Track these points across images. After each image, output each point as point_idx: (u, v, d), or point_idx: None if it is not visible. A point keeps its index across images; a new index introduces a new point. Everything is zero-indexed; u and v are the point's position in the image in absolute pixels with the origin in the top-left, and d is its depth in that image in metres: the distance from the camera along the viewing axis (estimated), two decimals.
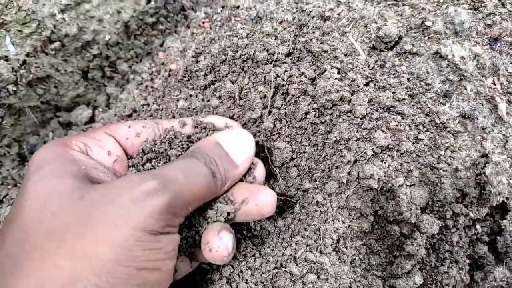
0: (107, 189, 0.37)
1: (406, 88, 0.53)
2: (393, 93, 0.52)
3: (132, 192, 0.36)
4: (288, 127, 0.55)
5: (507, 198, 0.51)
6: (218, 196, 0.46)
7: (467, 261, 0.52)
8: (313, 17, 0.60)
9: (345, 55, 0.56)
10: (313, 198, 0.54)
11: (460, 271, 0.52)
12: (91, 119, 0.74)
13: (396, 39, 0.56)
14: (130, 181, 0.38)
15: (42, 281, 0.32)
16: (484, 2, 0.57)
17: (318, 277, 0.51)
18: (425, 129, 0.52)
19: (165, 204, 0.36)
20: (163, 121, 0.52)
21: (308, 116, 0.53)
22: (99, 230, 0.34)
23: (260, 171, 0.50)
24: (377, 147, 0.51)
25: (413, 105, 0.52)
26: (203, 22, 0.72)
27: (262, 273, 0.51)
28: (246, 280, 0.51)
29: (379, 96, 0.52)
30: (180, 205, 0.39)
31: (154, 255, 0.36)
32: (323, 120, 0.53)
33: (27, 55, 0.67)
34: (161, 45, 0.76)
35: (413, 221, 0.50)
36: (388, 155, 0.52)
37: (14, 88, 0.66)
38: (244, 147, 0.47)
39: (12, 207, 0.40)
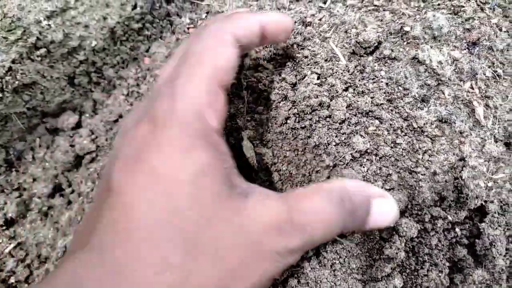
0: (239, 203, 0.34)
1: (384, 93, 0.53)
2: (371, 98, 0.53)
3: (261, 219, 0.33)
4: (269, 133, 0.56)
5: (485, 201, 0.51)
6: None
7: (447, 264, 0.53)
8: (295, 22, 0.60)
9: (326, 60, 0.56)
10: None
11: (440, 274, 0.52)
12: (78, 125, 0.75)
13: (376, 44, 0.56)
14: (260, 207, 0.34)
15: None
16: (463, 6, 0.58)
17: (299, 282, 0.51)
18: (403, 133, 0.52)
19: (294, 247, 0.34)
20: None
21: (288, 121, 0.54)
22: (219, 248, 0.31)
23: None
24: (356, 151, 0.52)
25: (391, 110, 0.53)
26: (188, 28, 0.72)
27: None
28: None
29: (358, 101, 0.52)
30: (308, 247, 0.38)
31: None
32: (303, 125, 0.53)
33: (13, 61, 0.67)
34: (147, 51, 0.76)
35: (392, 225, 0.50)
36: (367, 159, 0.52)
37: (0, 95, 0.67)
38: (388, 219, 0.44)
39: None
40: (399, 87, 0.53)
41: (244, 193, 0.35)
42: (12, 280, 0.65)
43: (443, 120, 0.53)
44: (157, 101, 0.37)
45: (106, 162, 0.67)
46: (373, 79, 0.54)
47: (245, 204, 0.33)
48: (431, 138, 0.52)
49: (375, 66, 0.55)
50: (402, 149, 0.52)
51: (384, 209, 0.43)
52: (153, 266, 0.29)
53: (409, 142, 0.52)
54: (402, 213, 0.52)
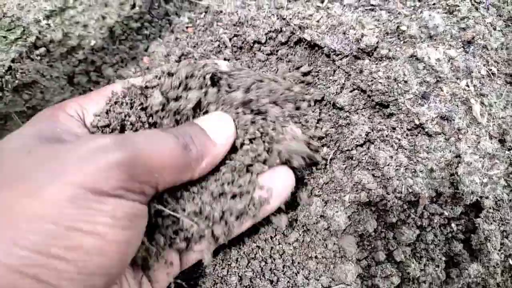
0: (60, 146, 0.35)
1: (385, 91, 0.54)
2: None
3: (81, 148, 0.34)
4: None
5: (480, 197, 0.52)
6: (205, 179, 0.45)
7: (443, 258, 0.54)
8: (295, 25, 0.61)
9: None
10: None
11: (436, 269, 0.53)
12: None
13: (375, 46, 0.57)
14: (85, 139, 0.35)
15: None
16: (458, 6, 0.59)
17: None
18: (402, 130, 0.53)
19: (117, 162, 0.33)
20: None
21: None
22: (33, 184, 0.31)
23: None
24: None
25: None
26: (187, 27, 0.73)
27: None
28: None
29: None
30: (140, 168, 0.35)
31: (94, 217, 0.32)
32: None
33: (13, 61, 0.68)
34: (146, 50, 0.77)
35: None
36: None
37: (0, 94, 0.67)
38: (222, 126, 0.45)
39: None
40: (398, 84, 0.54)
41: (68, 141, 0.38)
42: None
43: (443, 117, 0.54)
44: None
45: None
46: (371, 80, 0.55)
47: (69, 142, 0.37)
48: (429, 135, 0.53)
49: (372, 67, 0.56)
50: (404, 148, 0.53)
51: (217, 124, 0.44)
52: None
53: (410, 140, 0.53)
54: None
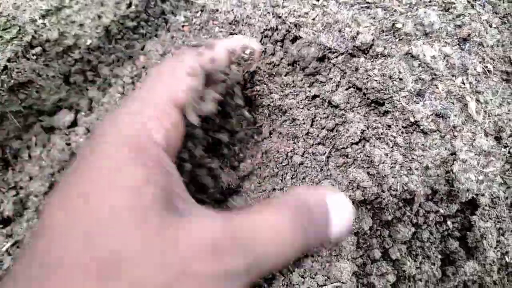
0: (174, 227, 0.28)
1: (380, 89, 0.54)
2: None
3: (192, 243, 0.27)
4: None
5: (476, 194, 0.52)
6: None
7: (439, 256, 0.54)
8: (291, 23, 0.61)
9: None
10: None
11: (432, 266, 0.53)
12: (74, 123, 0.75)
13: (371, 44, 0.57)
14: (196, 226, 0.29)
15: None
16: (454, 3, 0.59)
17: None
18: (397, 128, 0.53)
19: (239, 270, 0.28)
20: None
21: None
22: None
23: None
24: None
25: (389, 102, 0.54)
26: (183, 26, 0.73)
27: None
28: None
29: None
30: (261, 271, 0.30)
31: None
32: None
33: (8, 60, 0.68)
34: (142, 49, 0.77)
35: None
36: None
37: None
38: (347, 221, 0.35)
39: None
40: (394, 82, 0.54)
41: (183, 212, 0.30)
42: None
43: (439, 115, 0.53)
44: (105, 119, 0.35)
45: None
46: (367, 78, 0.55)
47: (181, 223, 0.29)
48: (425, 133, 0.53)
49: (368, 65, 0.56)
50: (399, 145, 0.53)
51: (342, 207, 0.35)
52: None
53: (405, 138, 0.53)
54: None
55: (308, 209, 0.32)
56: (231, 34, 0.64)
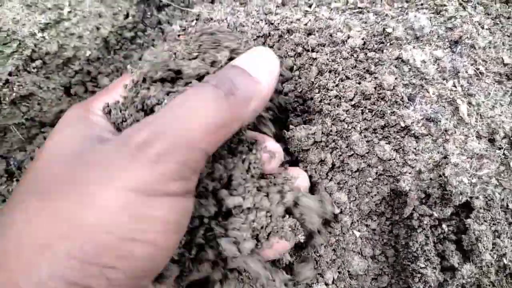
0: (106, 147, 0.33)
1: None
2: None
3: (123, 148, 0.32)
4: None
5: (470, 197, 0.52)
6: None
7: (437, 259, 0.54)
8: (283, 29, 0.61)
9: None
10: None
11: (434, 271, 0.53)
12: None
13: (362, 48, 0.57)
14: (122, 136, 0.33)
15: (18, 238, 0.30)
16: (445, 6, 0.59)
17: None
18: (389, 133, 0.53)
19: (166, 151, 0.31)
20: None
21: None
22: (84, 191, 0.30)
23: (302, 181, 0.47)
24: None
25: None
26: (179, 35, 0.74)
27: None
28: None
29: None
30: (191, 147, 0.32)
31: (146, 224, 0.30)
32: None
33: (10, 74, 0.69)
34: (140, 59, 0.78)
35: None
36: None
37: None
38: (266, 62, 0.39)
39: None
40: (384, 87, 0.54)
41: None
42: None
43: (429, 119, 0.54)
44: None
45: None
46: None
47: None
48: (416, 137, 0.53)
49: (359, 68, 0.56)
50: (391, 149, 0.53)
51: (257, 58, 0.40)
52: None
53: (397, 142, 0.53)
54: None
55: (225, 77, 0.36)
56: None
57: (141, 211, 0.30)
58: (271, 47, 0.61)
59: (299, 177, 0.45)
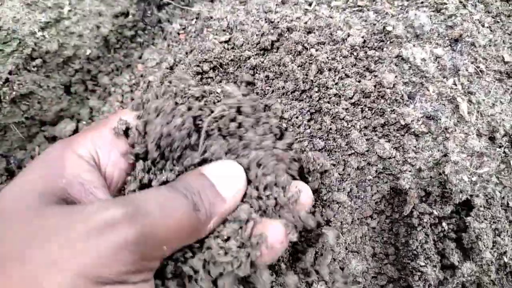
0: (65, 213, 0.30)
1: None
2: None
3: (87, 221, 0.29)
4: None
5: (470, 195, 0.52)
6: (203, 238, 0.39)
7: (438, 257, 0.54)
8: (283, 27, 0.61)
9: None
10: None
11: (434, 268, 0.53)
12: (75, 132, 0.77)
13: (362, 46, 0.57)
14: (91, 207, 0.31)
15: None
16: (446, 4, 0.58)
17: None
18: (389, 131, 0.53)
19: (127, 241, 0.29)
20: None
21: None
22: (30, 269, 0.27)
23: (306, 197, 0.43)
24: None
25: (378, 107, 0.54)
26: (179, 34, 0.74)
27: None
28: None
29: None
30: (151, 243, 0.31)
31: None
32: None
33: (10, 73, 0.69)
34: (140, 58, 0.78)
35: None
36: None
37: None
38: (233, 179, 0.40)
39: None
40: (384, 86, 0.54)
41: (79, 203, 0.34)
42: None
43: (429, 117, 0.53)
44: None
45: None
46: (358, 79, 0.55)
47: (70, 209, 0.31)
48: (416, 135, 0.53)
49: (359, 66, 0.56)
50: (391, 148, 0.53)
51: (224, 174, 0.39)
52: None
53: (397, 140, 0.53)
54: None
55: (188, 184, 0.36)
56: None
57: None
58: (271, 47, 0.61)
59: (302, 192, 0.44)
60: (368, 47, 0.56)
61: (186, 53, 0.68)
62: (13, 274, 0.28)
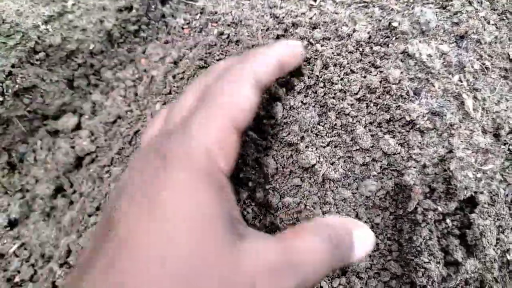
0: (238, 253, 0.31)
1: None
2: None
3: (255, 261, 0.30)
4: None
5: (475, 192, 0.52)
6: None
7: (441, 254, 0.54)
8: (288, 23, 0.61)
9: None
10: None
11: (438, 265, 0.53)
12: (78, 126, 0.76)
13: (367, 41, 0.57)
14: (256, 245, 0.32)
15: None
16: (451, 0, 0.58)
17: None
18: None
19: None
20: None
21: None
22: None
23: None
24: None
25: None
26: (183, 28, 0.74)
27: None
28: None
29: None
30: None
31: None
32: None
33: (13, 66, 0.69)
34: (143, 52, 0.78)
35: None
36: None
37: (1, 99, 0.68)
38: (368, 247, 0.41)
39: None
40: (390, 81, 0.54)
41: (242, 235, 0.33)
42: (17, 279, 0.67)
43: (435, 113, 0.53)
44: (170, 138, 0.36)
45: (111, 193, 0.66)
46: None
47: (243, 246, 0.31)
48: (421, 131, 0.53)
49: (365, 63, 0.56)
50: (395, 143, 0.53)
51: (365, 239, 0.41)
52: None
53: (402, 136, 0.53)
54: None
55: (338, 238, 0.37)
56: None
57: None
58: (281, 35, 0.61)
59: None
60: (374, 43, 0.56)
61: (190, 47, 0.68)
62: None
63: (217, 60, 0.61)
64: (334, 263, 0.36)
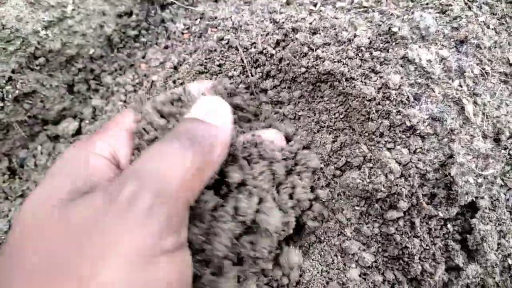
0: (99, 208, 0.31)
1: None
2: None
3: (112, 206, 0.30)
4: None
5: (476, 197, 0.52)
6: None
7: (443, 259, 0.54)
8: (288, 28, 0.61)
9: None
10: None
11: (438, 270, 0.53)
12: (78, 131, 0.76)
13: (368, 47, 0.57)
14: (108, 193, 0.32)
15: None
16: (451, 5, 0.58)
17: None
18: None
19: (150, 206, 0.30)
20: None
21: None
22: (83, 272, 0.28)
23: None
24: None
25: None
26: (183, 33, 0.74)
27: None
28: None
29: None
30: (170, 198, 0.32)
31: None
32: None
33: (13, 71, 0.69)
34: (143, 57, 0.78)
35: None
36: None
37: (1, 104, 0.68)
38: (218, 109, 0.41)
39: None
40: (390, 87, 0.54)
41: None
42: None
43: (435, 118, 0.53)
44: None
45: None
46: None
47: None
48: (422, 137, 0.53)
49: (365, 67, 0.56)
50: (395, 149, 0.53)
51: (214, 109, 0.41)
52: None
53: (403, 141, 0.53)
54: None
55: (179, 130, 0.38)
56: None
57: (144, 277, 0.29)
58: (277, 45, 0.61)
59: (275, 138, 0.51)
60: (374, 48, 0.56)
61: (190, 53, 0.68)
62: (65, 283, 0.28)
63: (217, 65, 0.61)
64: (197, 147, 0.36)
